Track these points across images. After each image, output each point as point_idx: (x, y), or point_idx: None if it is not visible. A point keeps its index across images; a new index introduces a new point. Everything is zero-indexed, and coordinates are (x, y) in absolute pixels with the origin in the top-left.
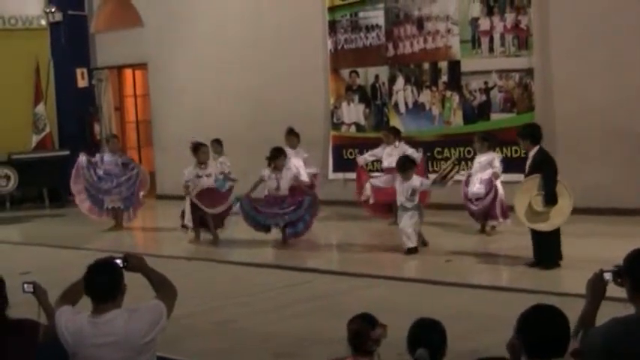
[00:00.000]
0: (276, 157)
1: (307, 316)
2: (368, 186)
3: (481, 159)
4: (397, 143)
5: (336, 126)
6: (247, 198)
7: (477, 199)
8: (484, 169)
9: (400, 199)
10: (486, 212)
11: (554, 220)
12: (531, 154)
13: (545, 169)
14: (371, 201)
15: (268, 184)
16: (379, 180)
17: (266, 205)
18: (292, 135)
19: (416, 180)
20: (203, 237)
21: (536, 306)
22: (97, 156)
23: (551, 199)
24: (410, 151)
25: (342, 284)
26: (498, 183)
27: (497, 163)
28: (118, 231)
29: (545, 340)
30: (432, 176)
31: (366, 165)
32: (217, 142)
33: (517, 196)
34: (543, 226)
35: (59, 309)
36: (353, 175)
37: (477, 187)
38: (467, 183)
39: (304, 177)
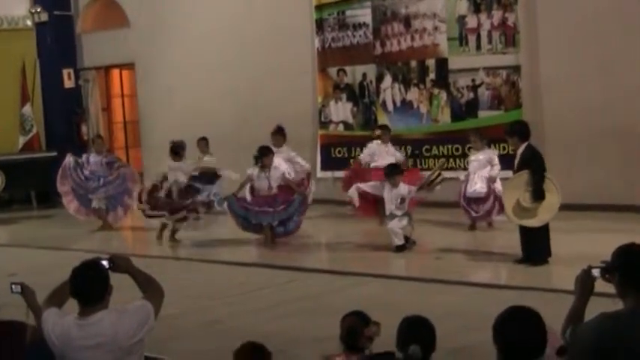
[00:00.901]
0: (265, 155)
1: (298, 315)
2: (354, 190)
3: (479, 157)
4: (389, 143)
5: (324, 125)
6: (235, 197)
7: (477, 202)
8: (483, 166)
9: (389, 207)
10: (487, 214)
11: (542, 215)
12: (520, 151)
13: (533, 165)
14: (356, 205)
15: (258, 184)
16: (367, 185)
17: (256, 204)
18: (279, 134)
19: (403, 188)
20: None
21: (510, 308)
22: (84, 157)
23: (538, 194)
24: (397, 153)
25: (332, 283)
26: (497, 183)
27: (496, 161)
28: (107, 231)
29: (521, 342)
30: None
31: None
32: (204, 141)
33: (505, 193)
34: (531, 222)
35: (45, 311)
36: (341, 174)
37: (478, 185)
38: (466, 183)
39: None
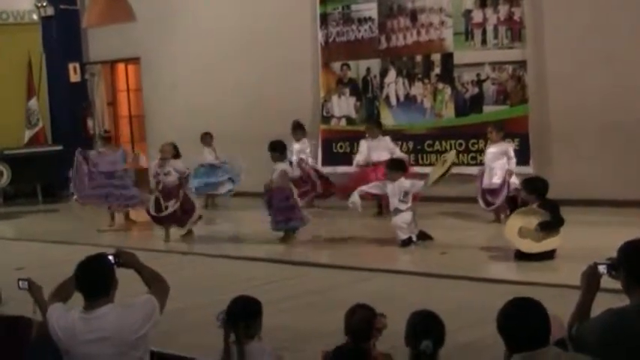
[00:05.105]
0: (284, 150)
1: (302, 310)
2: (356, 195)
3: (494, 149)
4: (380, 137)
5: (326, 119)
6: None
7: (492, 193)
8: (497, 158)
9: (393, 201)
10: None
11: (538, 247)
12: (535, 204)
13: (558, 214)
14: (359, 210)
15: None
16: (370, 187)
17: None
18: (299, 129)
19: (406, 182)
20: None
21: (512, 299)
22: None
23: (548, 227)
24: (391, 145)
25: (337, 278)
26: (513, 177)
27: (512, 154)
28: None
29: (525, 332)
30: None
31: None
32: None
33: (510, 219)
34: (525, 246)
35: (51, 306)
36: (343, 169)
37: (497, 176)
38: (482, 176)
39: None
